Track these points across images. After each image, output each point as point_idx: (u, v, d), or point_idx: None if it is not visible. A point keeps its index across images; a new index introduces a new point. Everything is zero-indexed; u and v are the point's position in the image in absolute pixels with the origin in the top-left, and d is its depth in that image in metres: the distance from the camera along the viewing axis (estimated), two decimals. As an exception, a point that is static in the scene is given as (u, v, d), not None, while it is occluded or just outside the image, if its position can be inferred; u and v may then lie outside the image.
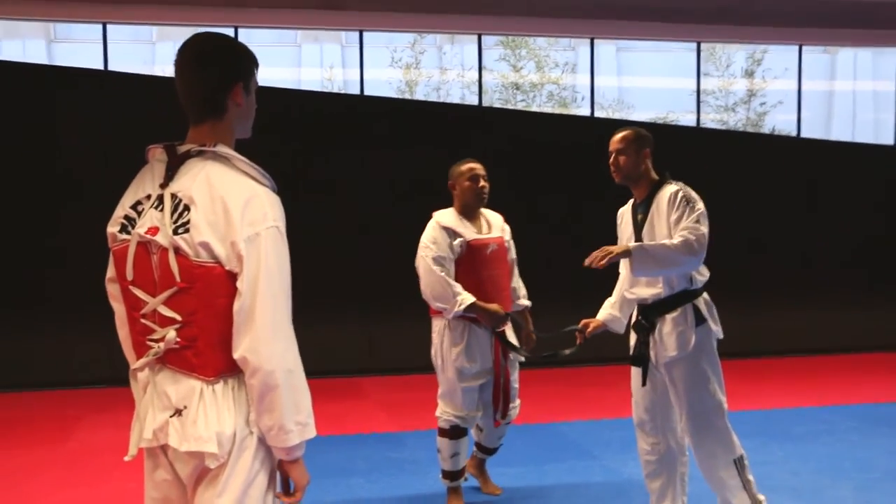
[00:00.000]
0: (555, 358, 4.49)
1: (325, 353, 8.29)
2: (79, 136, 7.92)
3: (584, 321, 4.30)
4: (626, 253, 3.76)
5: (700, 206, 3.86)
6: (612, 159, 4.06)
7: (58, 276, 7.72)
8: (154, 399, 2.08)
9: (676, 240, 3.76)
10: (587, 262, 3.73)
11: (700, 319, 3.93)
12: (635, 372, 4.12)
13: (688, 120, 12.06)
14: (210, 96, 2.10)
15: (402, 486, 5.12)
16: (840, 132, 15.86)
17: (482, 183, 4.61)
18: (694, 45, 10.72)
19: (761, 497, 3.95)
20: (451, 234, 4.53)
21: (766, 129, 14.41)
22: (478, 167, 4.64)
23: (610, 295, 4.35)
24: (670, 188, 3.93)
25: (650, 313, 4.01)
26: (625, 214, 4.24)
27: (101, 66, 8.55)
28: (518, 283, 4.93)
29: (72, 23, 10.45)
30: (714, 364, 3.97)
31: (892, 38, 10.80)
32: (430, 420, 6.57)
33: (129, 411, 2.18)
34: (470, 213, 4.64)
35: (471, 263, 4.54)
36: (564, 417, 6.80)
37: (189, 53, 2.11)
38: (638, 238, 4.02)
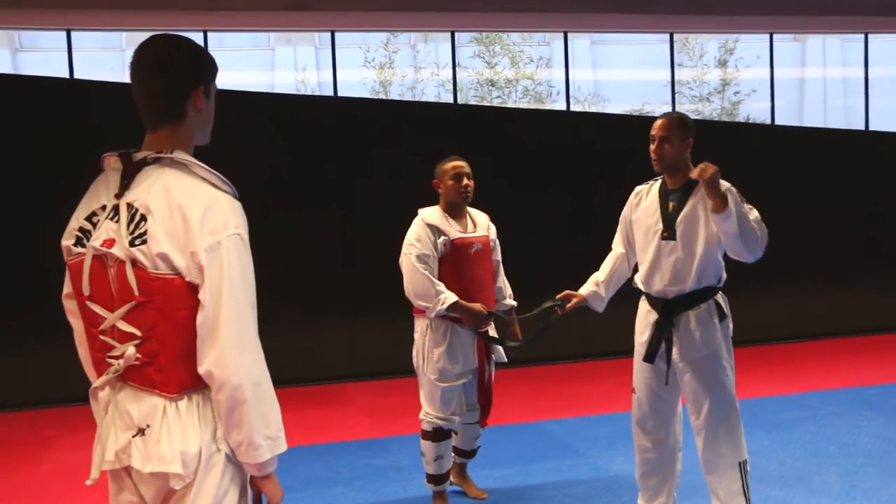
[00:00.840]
0: (540, 336, 4.40)
1: (307, 360, 8.21)
2: (52, 145, 7.76)
3: (566, 292, 4.18)
4: (724, 198, 3.51)
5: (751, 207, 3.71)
6: (654, 145, 3.84)
7: (35, 292, 7.57)
8: (115, 418, 2.01)
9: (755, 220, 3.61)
10: (698, 173, 3.52)
11: (722, 315, 3.86)
12: (641, 368, 3.99)
13: (663, 111, 12.04)
14: (169, 100, 2.03)
15: (386, 494, 5.04)
16: (811, 118, 15.95)
17: (465, 182, 4.54)
18: (667, 36, 10.71)
19: None
20: (436, 231, 4.47)
21: (740, 118, 14.45)
22: (462, 165, 4.58)
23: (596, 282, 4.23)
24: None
25: (672, 309, 3.87)
26: (645, 196, 4.03)
27: (66, 75, 8.42)
28: (503, 283, 4.88)
29: (36, 31, 10.29)
30: (732, 361, 3.90)
31: (860, 24, 10.83)
32: (413, 425, 6.50)
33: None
34: (455, 212, 4.58)
35: (455, 262, 4.48)
36: (549, 416, 6.74)
37: (148, 56, 2.03)
38: (669, 227, 3.83)
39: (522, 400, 7.21)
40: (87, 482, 2.05)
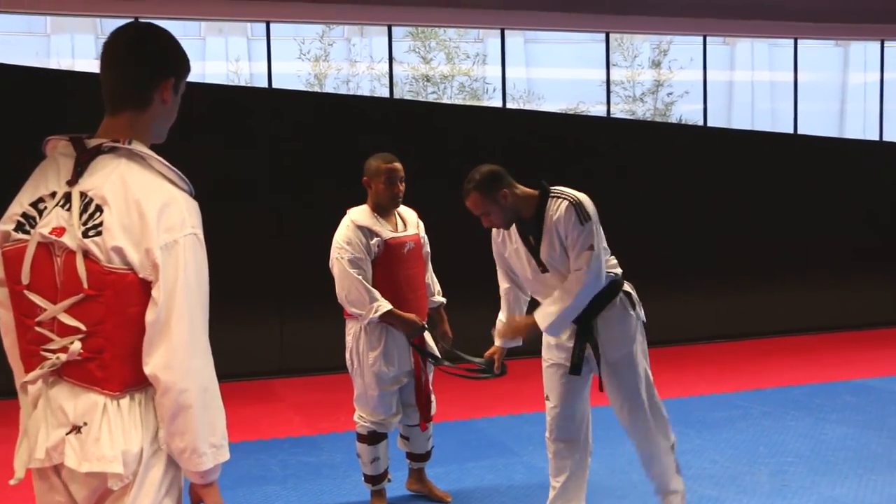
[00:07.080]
0: (474, 378, 4.36)
1: (236, 355, 8.04)
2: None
3: (487, 355, 4.13)
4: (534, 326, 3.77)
5: (590, 222, 3.65)
6: (485, 223, 3.85)
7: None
8: (47, 415, 1.90)
9: (574, 285, 3.64)
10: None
11: (633, 304, 3.89)
12: (552, 375, 3.96)
13: (598, 111, 12.16)
14: (137, 84, 1.97)
15: (320, 492, 4.96)
16: (739, 121, 16.28)
17: (399, 187, 4.38)
18: (602, 35, 10.80)
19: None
20: (368, 233, 4.30)
21: (673, 119, 14.67)
22: (396, 168, 4.39)
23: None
24: (559, 203, 3.70)
25: (587, 315, 3.80)
26: (507, 235, 3.94)
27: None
28: (432, 280, 4.76)
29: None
30: (646, 350, 3.96)
31: (791, 30, 11.08)
32: (345, 422, 6.42)
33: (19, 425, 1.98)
34: (384, 212, 4.44)
35: (388, 263, 4.35)
36: (481, 413, 6.72)
37: (124, 37, 1.98)
38: (538, 260, 3.80)
39: (454, 397, 7.16)
40: (11, 482, 1.94)
